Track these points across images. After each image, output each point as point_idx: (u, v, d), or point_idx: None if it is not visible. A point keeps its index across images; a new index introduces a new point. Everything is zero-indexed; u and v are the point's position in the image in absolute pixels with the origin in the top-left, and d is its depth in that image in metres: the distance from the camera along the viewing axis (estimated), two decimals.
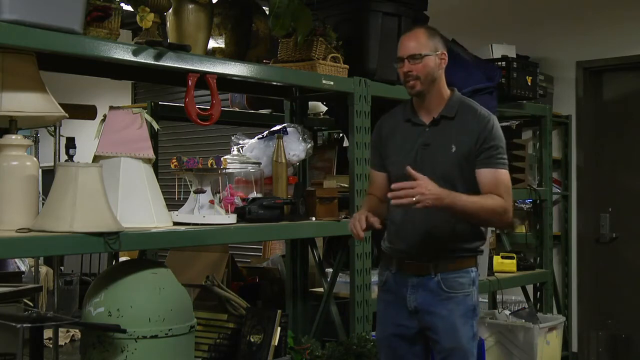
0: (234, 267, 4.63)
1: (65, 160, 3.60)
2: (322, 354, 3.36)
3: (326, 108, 4.68)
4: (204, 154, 3.42)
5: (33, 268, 5.91)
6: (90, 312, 2.60)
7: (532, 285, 5.03)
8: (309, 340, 3.43)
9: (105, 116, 2.77)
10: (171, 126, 6.72)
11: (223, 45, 3.34)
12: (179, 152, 4.12)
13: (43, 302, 5.95)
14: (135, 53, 2.61)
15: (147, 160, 2.77)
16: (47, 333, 3.86)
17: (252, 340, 3.15)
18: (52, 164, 4.65)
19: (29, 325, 2.40)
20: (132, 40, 2.94)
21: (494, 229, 4.69)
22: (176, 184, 2.95)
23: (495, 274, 4.51)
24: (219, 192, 2.98)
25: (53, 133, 4.93)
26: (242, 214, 3.01)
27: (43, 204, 2.49)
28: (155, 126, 2.99)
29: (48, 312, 3.28)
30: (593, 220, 5.38)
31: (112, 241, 2.40)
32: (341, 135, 4.73)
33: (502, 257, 4.73)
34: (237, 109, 4.87)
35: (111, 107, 2.78)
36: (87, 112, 3.67)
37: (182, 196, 2.95)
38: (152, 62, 2.67)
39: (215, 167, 2.86)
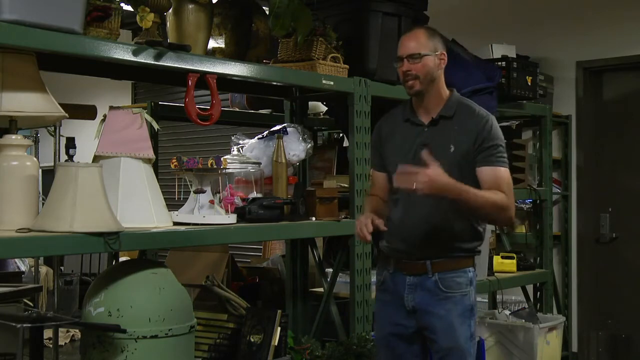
0: (234, 267, 4.63)
1: (65, 160, 3.60)
2: (322, 354, 3.37)
3: (326, 108, 4.68)
4: (204, 154, 3.42)
5: (33, 268, 5.91)
6: (90, 312, 2.60)
7: (532, 285, 5.03)
8: (309, 340, 3.43)
9: (105, 116, 2.77)
10: (171, 126, 6.72)
11: (223, 45, 3.34)
12: (179, 152, 4.12)
13: (43, 302, 5.95)
14: (135, 53, 2.61)
15: (147, 160, 2.77)
16: (47, 333, 3.86)
17: (252, 340, 3.15)
18: (52, 164, 4.65)
19: (29, 325, 2.40)
20: (132, 40, 2.94)
21: (494, 228, 4.70)
22: (176, 184, 2.95)
23: (495, 274, 4.50)
24: (219, 192, 2.98)
25: (53, 133, 4.93)
26: (242, 214, 3.01)
27: (43, 204, 2.49)
28: (155, 126, 2.99)
29: (48, 312, 3.28)
30: (593, 220, 5.38)
31: (112, 241, 2.40)
32: (341, 135, 4.73)
33: (502, 257, 4.73)
34: (237, 109, 4.87)
35: (111, 107, 2.78)
36: (87, 112, 3.67)
37: (182, 196, 2.95)
38: (152, 62, 2.68)
39: (215, 167, 2.86)
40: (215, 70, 2.90)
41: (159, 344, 2.57)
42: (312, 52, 3.41)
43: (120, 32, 2.67)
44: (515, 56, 4.68)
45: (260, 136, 3.64)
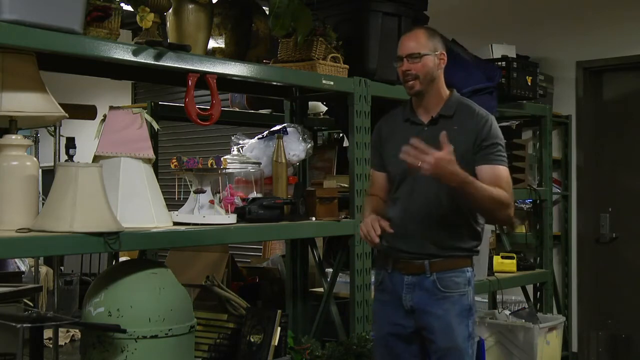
0: (234, 267, 4.63)
1: (65, 160, 3.60)
2: (322, 354, 3.37)
3: (326, 108, 4.68)
4: (204, 154, 3.42)
5: (33, 268, 5.91)
6: (90, 312, 2.60)
7: (532, 285, 5.03)
8: (309, 340, 3.43)
9: (105, 116, 2.77)
10: (171, 126, 6.72)
11: (223, 45, 3.34)
12: (179, 152, 4.12)
13: (43, 302, 5.96)
14: (135, 53, 2.61)
15: (147, 160, 2.77)
16: (47, 333, 3.86)
17: (252, 340, 3.15)
18: (52, 164, 4.65)
19: (29, 325, 2.40)
20: (132, 40, 2.94)
21: (494, 228, 4.70)
22: (176, 184, 2.95)
23: (495, 274, 4.50)
24: (219, 192, 2.98)
25: (53, 133, 4.93)
26: (242, 214, 3.01)
27: (43, 204, 2.49)
28: (155, 126, 2.99)
29: (48, 312, 3.28)
30: (593, 220, 5.38)
31: (112, 241, 2.40)
32: (341, 135, 4.72)
33: (502, 257, 4.73)
34: (237, 109, 4.87)
35: (111, 107, 2.78)
36: (87, 112, 3.67)
37: (182, 196, 2.95)
38: (152, 62, 2.67)
39: (215, 167, 2.86)
40: (215, 70, 2.90)
41: (159, 344, 2.57)
42: (312, 52, 3.41)
43: (120, 32, 2.67)
44: (515, 56, 4.68)
45: (260, 136, 3.64)
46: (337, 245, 3.77)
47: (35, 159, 2.57)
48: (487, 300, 5.11)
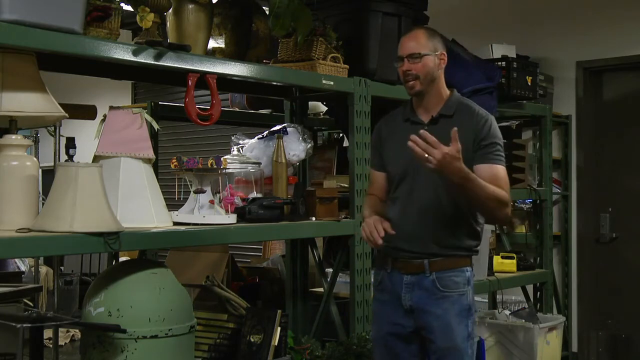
0: (234, 267, 4.63)
1: (65, 160, 3.60)
2: (322, 354, 3.37)
3: (326, 108, 4.68)
4: (204, 154, 3.42)
5: (33, 268, 5.91)
6: (90, 312, 2.60)
7: (532, 285, 5.03)
8: (309, 340, 3.43)
9: (105, 116, 2.77)
10: (171, 126, 6.72)
11: (223, 45, 3.34)
12: (179, 152, 4.12)
13: (43, 302, 5.96)
14: (135, 53, 2.61)
15: (147, 160, 2.77)
16: (47, 333, 3.86)
17: (252, 340, 3.15)
18: (52, 164, 4.65)
19: (29, 325, 2.40)
20: (132, 40, 2.94)
21: (494, 228, 4.69)
22: (176, 184, 2.95)
23: (495, 274, 4.50)
24: (219, 192, 2.98)
25: (53, 133, 4.93)
26: (242, 214, 3.01)
27: (43, 204, 2.49)
28: (155, 126, 2.99)
29: (48, 312, 3.28)
30: (593, 220, 5.38)
31: (112, 241, 2.40)
32: (341, 135, 4.73)
33: (502, 257, 4.73)
34: (237, 109, 4.87)
35: (111, 107, 2.78)
36: (87, 112, 3.67)
37: (182, 196, 2.95)
38: (152, 62, 2.67)
39: (215, 167, 2.86)
40: (215, 70, 2.90)
41: (159, 344, 2.57)
42: (312, 52, 3.41)
43: (120, 32, 2.67)
44: (515, 56, 4.68)
45: (260, 136, 3.64)
46: (337, 245, 3.78)
47: (35, 159, 2.57)
48: (487, 300, 5.11)
